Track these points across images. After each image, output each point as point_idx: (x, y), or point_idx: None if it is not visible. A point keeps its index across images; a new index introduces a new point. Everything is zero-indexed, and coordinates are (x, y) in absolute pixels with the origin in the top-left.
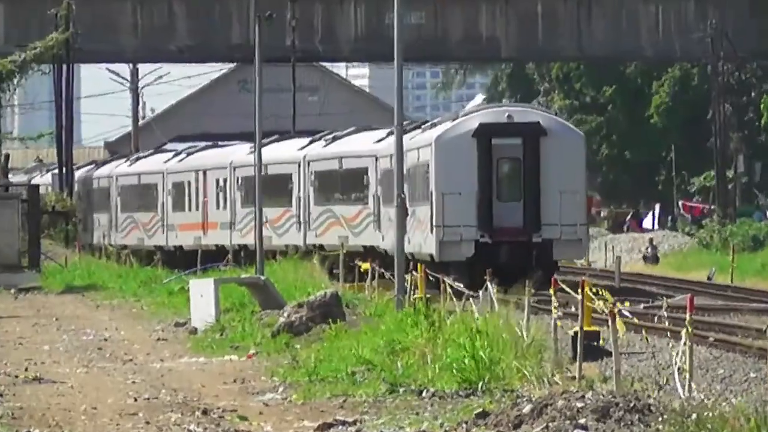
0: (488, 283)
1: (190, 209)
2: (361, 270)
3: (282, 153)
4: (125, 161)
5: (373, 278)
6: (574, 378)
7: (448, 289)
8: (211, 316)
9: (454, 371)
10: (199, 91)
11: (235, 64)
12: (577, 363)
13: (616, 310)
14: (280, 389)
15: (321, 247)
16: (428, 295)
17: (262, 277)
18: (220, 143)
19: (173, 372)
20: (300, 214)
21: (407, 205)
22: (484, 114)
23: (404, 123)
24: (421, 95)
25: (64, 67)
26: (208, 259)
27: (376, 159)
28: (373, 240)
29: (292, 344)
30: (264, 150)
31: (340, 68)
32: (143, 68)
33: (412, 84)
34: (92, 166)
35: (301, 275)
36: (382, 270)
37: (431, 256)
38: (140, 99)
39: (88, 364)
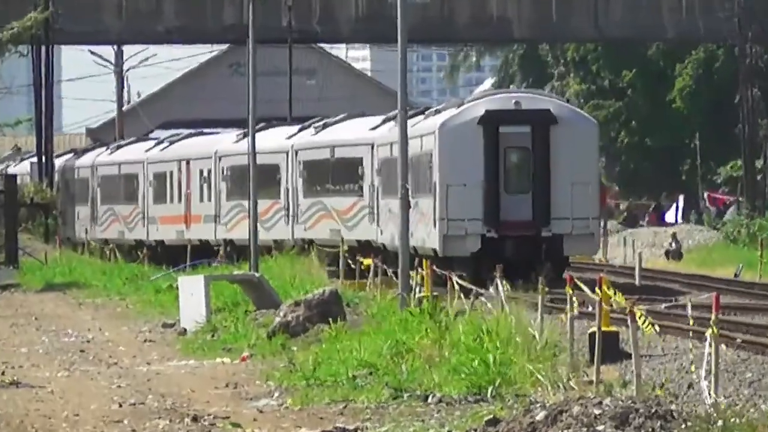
0: (498, 280)
1: (172, 201)
2: (362, 266)
3: (269, 142)
4: (106, 150)
5: (375, 275)
6: (591, 382)
7: (456, 287)
8: (202, 316)
9: (463, 375)
10: (189, 74)
11: (227, 45)
12: (595, 366)
13: (635, 309)
14: (276, 394)
15: (310, 242)
16: (435, 294)
17: (257, 274)
18: (205, 131)
19: (161, 376)
20: (288, 206)
21: (410, 197)
22: (490, 100)
23: (428, 107)
24: (426, 78)
25: (44, 48)
26: (197, 254)
27: (373, 147)
28: (369, 234)
29: (288, 346)
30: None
31: (339, 50)
32: (128, 50)
33: (417, 67)
34: (72, 155)
35: (298, 272)
36: (385, 266)
37: (434, 251)
38: (125, 83)
39: (69, 368)
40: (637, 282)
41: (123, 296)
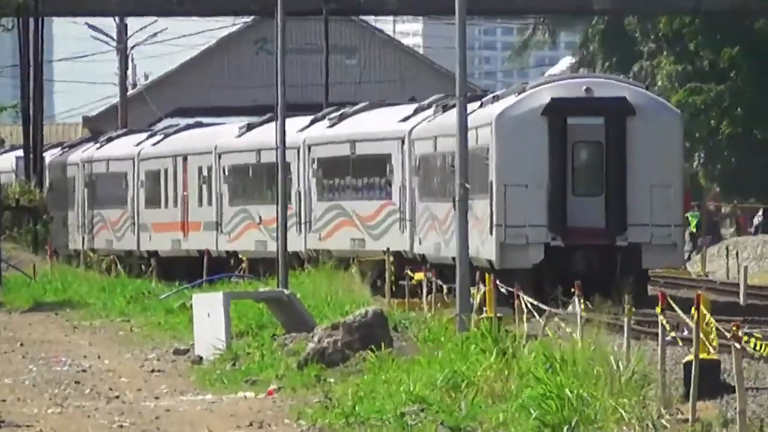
0: (575, 299)
1: (166, 205)
2: (413, 281)
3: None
4: (94, 143)
5: (429, 292)
6: (686, 421)
7: (524, 307)
8: (221, 342)
9: (533, 412)
10: (206, 53)
11: (251, 18)
12: (691, 402)
13: (741, 334)
14: None
15: (327, 253)
16: (499, 315)
17: (286, 291)
18: (204, 122)
19: (172, 413)
20: (300, 212)
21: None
22: (556, 87)
23: (477, 94)
24: (490, 57)
25: (32, 21)
26: (200, 267)
27: (403, 142)
28: (400, 243)
29: (324, 377)
30: (254, 132)
31: (385, 24)
32: (133, 24)
33: (479, 44)
34: (58, 150)
35: (336, 288)
36: (440, 282)
37: (490, 262)
38: (130, 63)
39: (62, 403)
40: (741, 301)
41: (126, 317)
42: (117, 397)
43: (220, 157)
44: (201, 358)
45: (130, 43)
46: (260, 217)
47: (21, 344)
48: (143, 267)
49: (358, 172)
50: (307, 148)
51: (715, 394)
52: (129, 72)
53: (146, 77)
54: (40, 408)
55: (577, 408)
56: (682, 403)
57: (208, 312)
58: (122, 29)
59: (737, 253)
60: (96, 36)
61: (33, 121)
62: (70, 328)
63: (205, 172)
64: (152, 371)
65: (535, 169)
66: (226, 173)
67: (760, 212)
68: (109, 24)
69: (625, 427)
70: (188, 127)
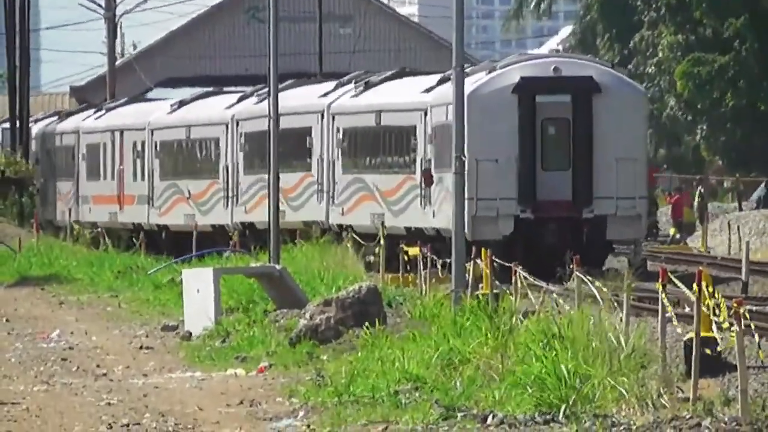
0: (576, 273)
1: (105, 178)
2: (407, 257)
3: (207, 112)
4: (56, 117)
5: (425, 267)
6: (687, 399)
7: (520, 282)
8: (211, 318)
9: (529, 390)
10: (196, 21)
11: None
12: (692, 380)
13: (742, 311)
14: (301, 414)
15: (252, 226)
16: (495, 291)
17: (278, 267)
18: (148, 97)
19: (160, 390)
20: (228, 186)
21: (432, 173)
22: (526, 66)
23: (411, 70)
24: (488, 26)
25: None
26: (155, 240)
27: (322, 116)
28: (317, 214)
29: (316, 354)
30: (186, 109)
31: None
32: None
33: (477, 12)
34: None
35: (329, 264)
36: (434, 256)
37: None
38: (118, 31)
39: (48, 380)
40: (743, 277)
41: (114, 293)
42: (105, 374)
43: (152, 133)
44: (190, 334)
45: (118, 11)
46: (189, 192)
47: (6, 320)
48: (133, 240)
49: (281, 146)
50: (235, 124)
51: (716, 372)
52: (117, 41)
53: (135, 46)
54: (26, 385)
55: (574, 386)
56: (683, 381)
57: (198, 288)
58: None
59: (738, 228)
60: (83, 4)
61: (19, 92)
62: (57, 304)
63: (139, 147)
64: (141, 348)
65: (505, 144)
66: (158, 149)
67: (762, 186)
68: None
69: (624, 406)
70: (128, 101)
